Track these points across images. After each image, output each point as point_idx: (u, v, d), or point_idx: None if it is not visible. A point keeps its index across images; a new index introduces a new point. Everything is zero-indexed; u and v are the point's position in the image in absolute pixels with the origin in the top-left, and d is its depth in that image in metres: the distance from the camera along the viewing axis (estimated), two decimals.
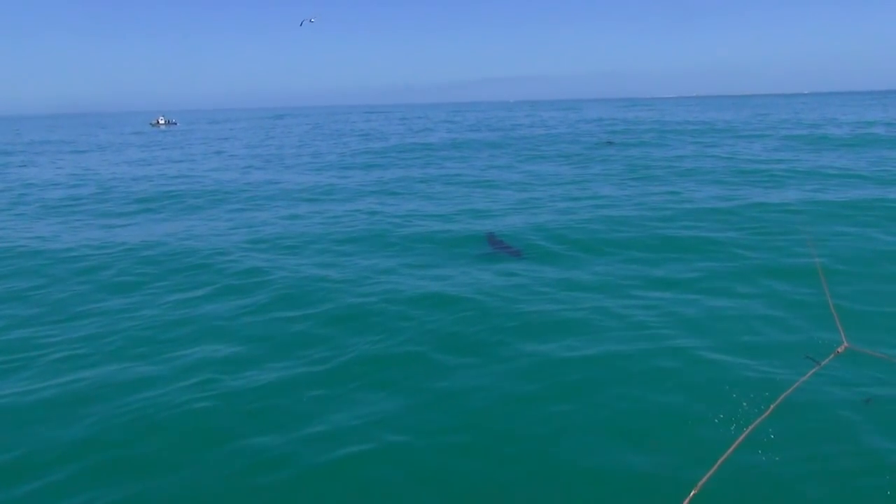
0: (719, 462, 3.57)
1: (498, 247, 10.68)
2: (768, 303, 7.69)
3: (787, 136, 31.41)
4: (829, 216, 12.21)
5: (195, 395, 5.70)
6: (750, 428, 4.11)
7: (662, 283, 8.53)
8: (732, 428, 4.87)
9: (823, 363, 4.98)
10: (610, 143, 31.71)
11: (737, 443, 3.81)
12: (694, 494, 3.36)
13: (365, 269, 9.63)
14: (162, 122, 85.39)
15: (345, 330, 7.14)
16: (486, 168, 22.91)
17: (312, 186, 19.45)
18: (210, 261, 10.30)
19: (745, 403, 5.23)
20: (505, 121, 61.22)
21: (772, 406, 4.35)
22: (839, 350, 5.05)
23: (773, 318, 7.20)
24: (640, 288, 8.38)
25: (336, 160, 27.98)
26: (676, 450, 4.73)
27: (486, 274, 9.22)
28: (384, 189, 18.54)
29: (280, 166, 25.95)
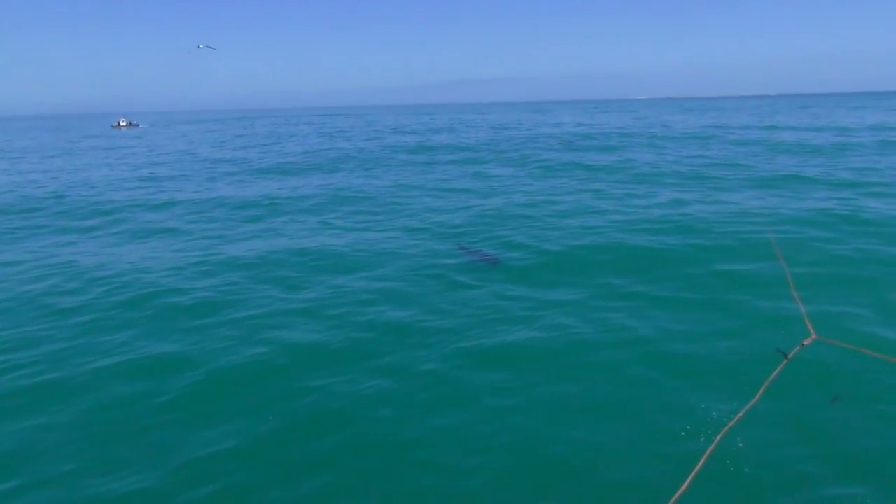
0: (693, 473, 3.47)
1: (473, 255, 10.20)
2: (729, 304, 7.58)
3: (741, 140, 31.49)
4: (780, 220, 12.09)
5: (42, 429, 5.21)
6: (720, 435, 4.02)
7: (626, 293, 8.22)
8: (702, 439, 4.67)
9: (790, 355, 4.99)
10: (568, 143, 32.41)
11: (708, 452, 3.72)
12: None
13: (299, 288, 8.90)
14: (123, 123, 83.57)
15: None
16: (442, 173, 22.26)
17: (248, 197, 18.07)
18: (106, 284, 9.32)
19: (714, 413, 5.04)
20: (468, 123, 60.62)
21: (740, 413, 4.28)
22: (805, 342, 5.13)
23: (736, 319, 7.09)
24: (600, 296, 8.12)
25: (278, 164, 26.85)
26: (644, 467, 4.49)
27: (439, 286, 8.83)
28: (331, 198, 17.46)
29: (219, 174, 24.25)
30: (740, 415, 4.27)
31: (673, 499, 3.25)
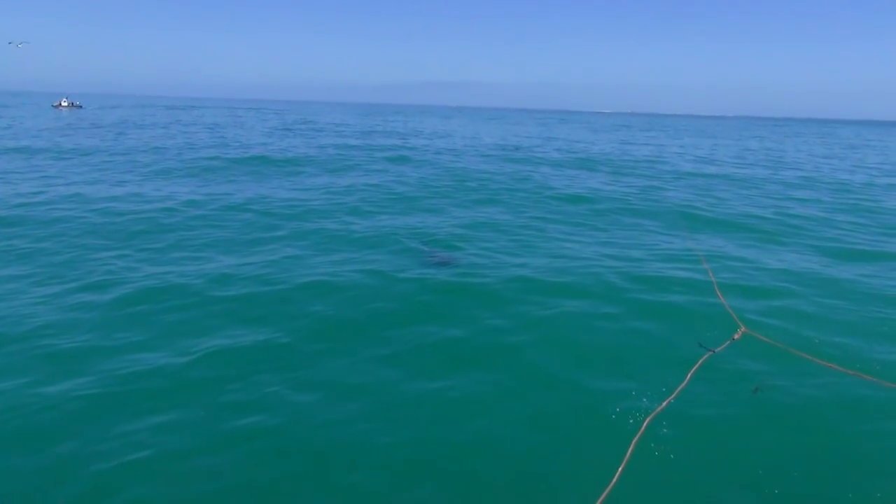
0: (625, 459, 3.58)
1: (434, 257, 9.86)
2: (650, 303, 7.70)
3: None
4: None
5: None
6: (647, 420, 4.17)
7: (548, 290, 8.19)
8: (631, 421, 4.82)
9: (720, 348, 5.16)
10: (517, 149, 33.92)
11: (636, 438, 3.87)
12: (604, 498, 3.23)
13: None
14: (65, 104, 79.45)
15: None
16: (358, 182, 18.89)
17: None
18: None
19: (645, 399, 5.19)
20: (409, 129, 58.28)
21: (668, 399, 4.43)
22: (736, 336, 5.33)
23: (658, 318, 7.20)
24: (526, 297, 7.97)
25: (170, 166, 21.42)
26: (573, 458, 4.54)
27: None
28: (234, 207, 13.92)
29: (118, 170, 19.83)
30: (670, 399, 4.43)
31: (608, 489, 3.29)
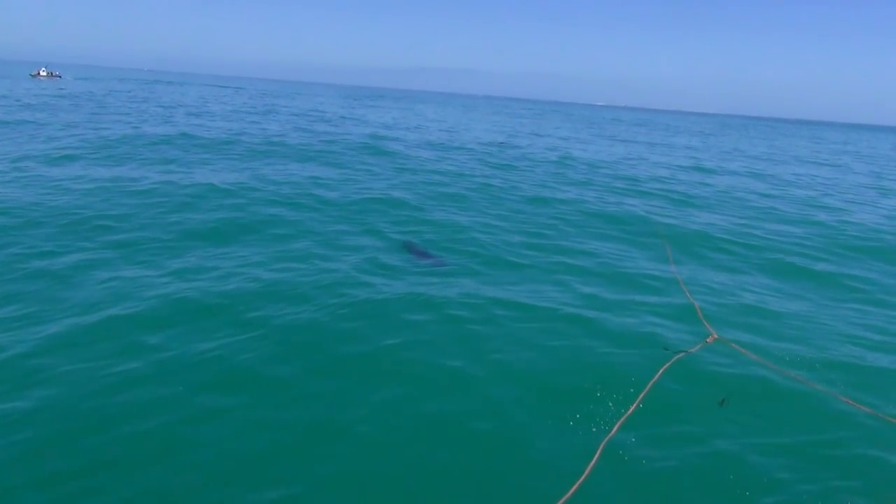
0: (591, 465, 3.50)
1: (421, 256, 9.49)
2: (616, 309, 7.51)
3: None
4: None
5: None
6: (616, 426, 4.11)
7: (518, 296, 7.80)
8: (593, 430, 4.71)
9: (693, 350, 5.13)
10: (501, 142, 32.88)
11: (604, 443, 3.80)
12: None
13: None
14: (44, 73, 77.98)
15: None
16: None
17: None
18: None
19: (610, 403, 5.12)
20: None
21: (634, 404, 4.38)
22: (709, 340, 5.36)
23: (624, 323, 7.03)
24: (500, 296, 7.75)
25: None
26: (539, 460, 4.44)
27: None
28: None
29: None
30: (637, 403, 4.39)
31: (573, 488, 3.25)
